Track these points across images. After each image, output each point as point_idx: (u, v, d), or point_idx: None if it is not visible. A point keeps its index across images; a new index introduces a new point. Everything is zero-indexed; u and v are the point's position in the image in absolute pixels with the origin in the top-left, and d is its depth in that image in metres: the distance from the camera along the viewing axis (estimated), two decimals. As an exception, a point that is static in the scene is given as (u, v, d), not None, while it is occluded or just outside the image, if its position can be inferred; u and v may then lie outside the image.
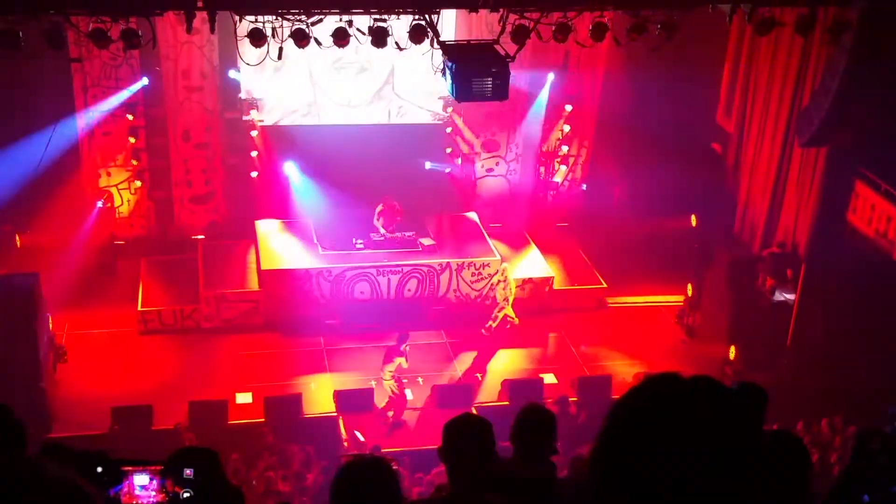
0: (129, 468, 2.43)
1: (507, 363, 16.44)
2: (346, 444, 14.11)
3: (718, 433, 1.64)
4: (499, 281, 16.93)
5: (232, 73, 17.42)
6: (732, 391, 1.74)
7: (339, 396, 14.90)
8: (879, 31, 13.14)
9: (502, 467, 4.96)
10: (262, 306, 16.84)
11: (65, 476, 1.59)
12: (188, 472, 2.47)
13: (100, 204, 17.81)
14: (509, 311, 16.58)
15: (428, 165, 19.34)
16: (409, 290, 17.30)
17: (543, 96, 19.03)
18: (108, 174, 17.96)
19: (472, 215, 19.12)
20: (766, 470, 1.72)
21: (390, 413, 14.84)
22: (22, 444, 3.04)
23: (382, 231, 17.53)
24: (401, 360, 14.83)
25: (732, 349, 16.08)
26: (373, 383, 15.33)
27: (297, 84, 18.03)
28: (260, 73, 16.78)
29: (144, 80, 17.32)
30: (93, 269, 17.14)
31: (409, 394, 15.20)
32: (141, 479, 2.46)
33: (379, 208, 17.69)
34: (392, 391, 14.81)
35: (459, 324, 17.05)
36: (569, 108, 19.23)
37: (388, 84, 18.63)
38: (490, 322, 16.57)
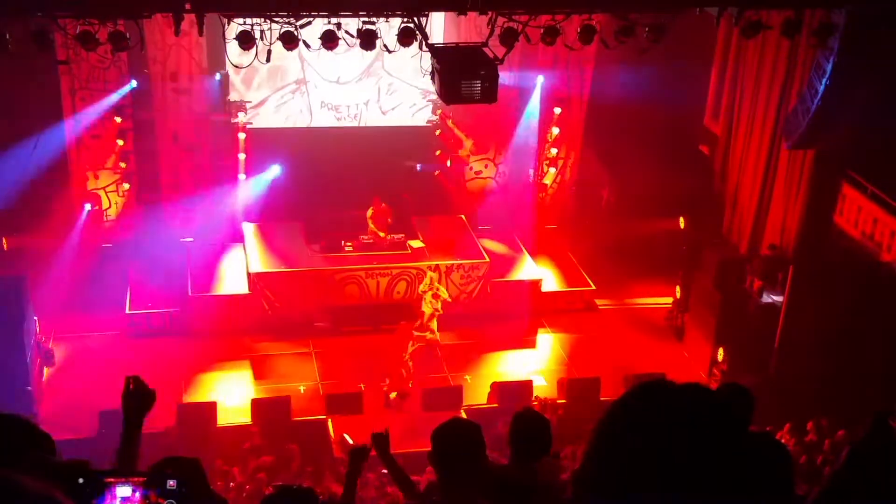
0: (112, 479, 2.42)
1: (496, 365, 16.45)
2: (335, 447, 14.09)
3: (709, 438, 1.65)
4: (424, 291, 15.94)
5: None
6: (721, 397, 1.75)
7: (329, 399, 14.89)
8: (865, 33, 13.20)
9: (495, 472, 4.97)
10: (250, 309, 16.80)
11: (43, 490, 1.57)
12: (171, 483, 2.46)
13: (88, 207, 17.72)
14: (434, 327, 15.78)
15: (418, 167, 19.35)
16: (398, 292, 17.29)
17: (532, 99, 19.05)
18: (96, 177, 17.89)
19: (462, 218, 19.13)
20: (751, 472, 1.74)
21: (392, 394, 15.19)
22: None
23: (380, 233, 17.54)
24: (410, 343, 15.22)
25: (720, 351, 16.12)
26: (362, 386, 15.33)
27: (285, 60, 17.77)
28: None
29: (133, 83, 17.27)
30: (81, 272, 17.06)
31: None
32: (123, 491, 2.45)
33: (370, 211, 17.69)
34: (407, 370, 15.25)
35: (448, 326, 17.05)
36: (557, 110, 19.25)
37: (378, 61, 18.52)
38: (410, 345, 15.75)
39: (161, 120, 17.76)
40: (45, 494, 1.57)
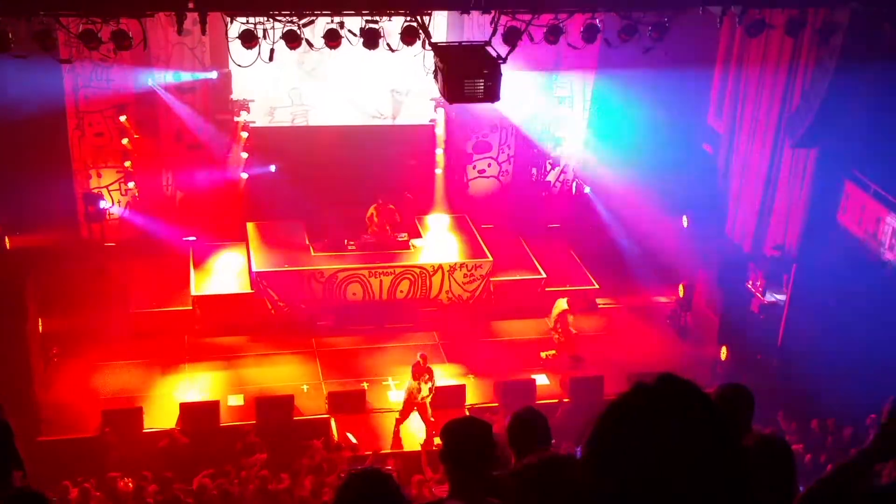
0: None
1: (498, 363, 16.41)
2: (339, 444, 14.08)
3: (709, 438, 1.65)
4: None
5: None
6: (722, 397, 1.75)
7: (332, 398, 14.89)
8: (869, 32, 13.17)
9: (505, 472, 4.95)
10: (253, 308, 16.80)
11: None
12: None
13: (103, 204, 17.69)
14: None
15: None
16: (401, 291, 17.30)
17: (535, 98, 19.02)
18: (100, 175, 17.90)
19: (464, 217, 19.12)
20: (753, 472, 1.73)
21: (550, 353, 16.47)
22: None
23: (389, 230, 17.55)
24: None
25: (724, 349, 16.11)
26: (364, 385, 15.33)
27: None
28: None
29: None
30: (83, 270, 17.07)
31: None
32: None
33: (372, 209, 17.67)
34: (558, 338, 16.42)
35: (451, 325, 17.07)
36: (560, 109, 19.22)
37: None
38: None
39: (164, 118, 17.77)
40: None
